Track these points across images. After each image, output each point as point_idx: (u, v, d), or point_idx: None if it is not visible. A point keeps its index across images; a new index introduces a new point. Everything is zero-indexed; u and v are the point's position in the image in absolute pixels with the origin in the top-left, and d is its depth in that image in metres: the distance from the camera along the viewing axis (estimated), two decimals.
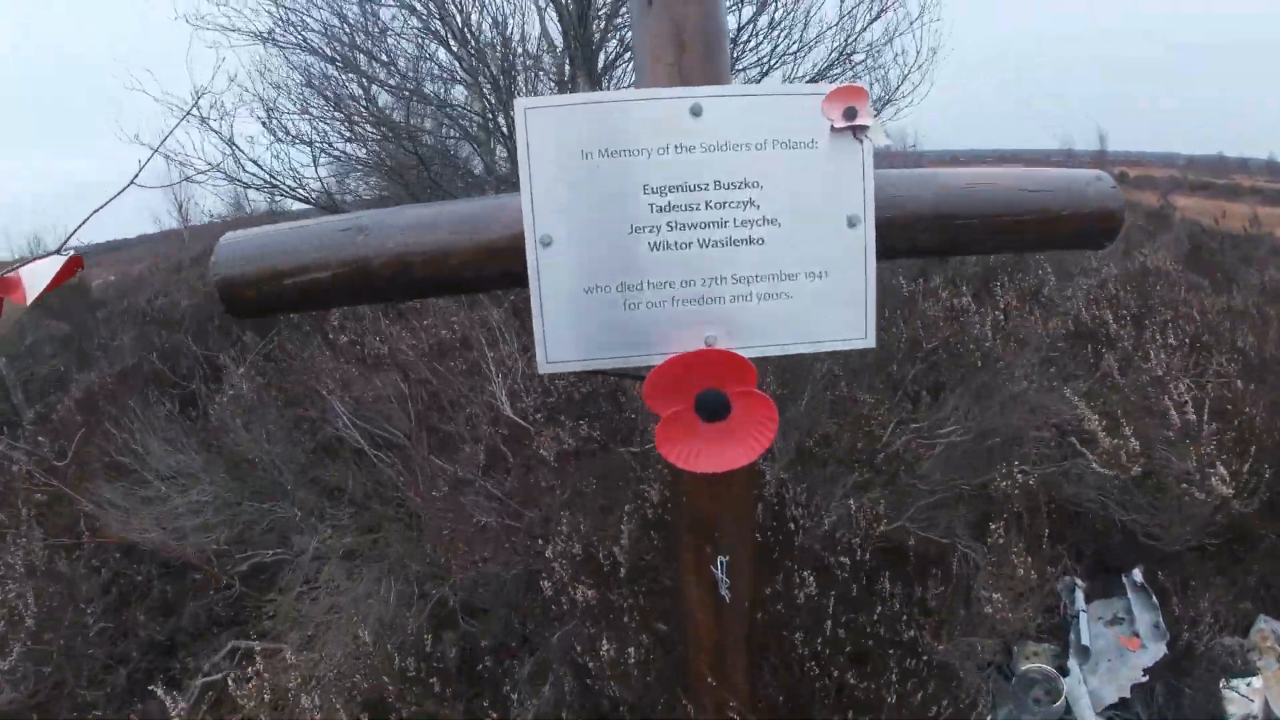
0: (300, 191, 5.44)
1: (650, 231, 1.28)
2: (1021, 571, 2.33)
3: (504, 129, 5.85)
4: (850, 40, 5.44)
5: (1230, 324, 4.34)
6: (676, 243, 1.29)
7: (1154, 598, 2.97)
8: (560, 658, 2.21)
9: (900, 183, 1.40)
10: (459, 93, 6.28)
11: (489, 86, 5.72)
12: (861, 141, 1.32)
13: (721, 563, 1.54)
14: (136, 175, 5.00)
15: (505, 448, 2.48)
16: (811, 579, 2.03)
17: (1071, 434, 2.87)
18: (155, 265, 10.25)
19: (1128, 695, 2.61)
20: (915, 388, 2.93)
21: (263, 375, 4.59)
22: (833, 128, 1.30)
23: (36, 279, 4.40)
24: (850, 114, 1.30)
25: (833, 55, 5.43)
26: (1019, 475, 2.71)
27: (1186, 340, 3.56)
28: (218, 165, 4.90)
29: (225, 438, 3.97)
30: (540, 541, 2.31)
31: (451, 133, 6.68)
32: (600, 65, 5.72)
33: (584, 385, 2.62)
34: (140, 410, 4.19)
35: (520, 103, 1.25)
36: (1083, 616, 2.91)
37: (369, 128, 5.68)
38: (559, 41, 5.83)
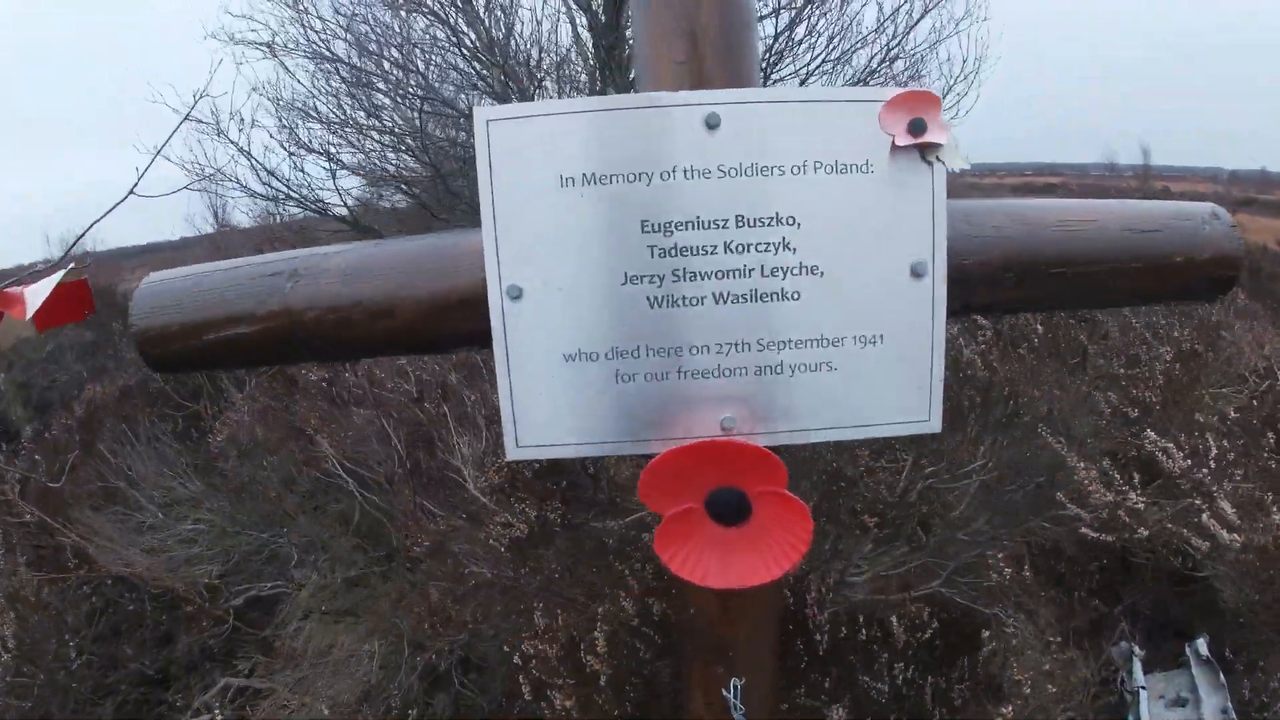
0: (314, 204, 5.23)
1: (650, 282, 0.97)
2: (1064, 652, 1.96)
3: None
4: (892, 45, 5.08)
5: None
6: (685, 298, 0.98)
7: (1221, 675, 2.58)
8: None
9: (978, 218, 1.07)
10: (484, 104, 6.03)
11: (517, 98, 5.47)
12: (932, 164, 0.99)
13: (736, 686, 1.21)
14: (135, 185, 4.72)
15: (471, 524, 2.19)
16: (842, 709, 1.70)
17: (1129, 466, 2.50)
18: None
19: None
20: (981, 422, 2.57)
21: (266, 396, 4.37)
22: (894, 145, 0.98)
23: (38, 295, 4.10)
24: (918, 127, 0.98)
25: (872, 62, 5.07)
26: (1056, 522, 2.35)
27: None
28: (209, 175, 4.71)
29: (226, 463, 3.76)
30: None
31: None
32: (632, 75, 5.45)
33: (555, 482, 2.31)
34: (140, 430, 4.00)
35: (480, 113, 0.96)
36: (1143, 695, 2.53)
37: (385, 138, 5.46)
38: (590, 51, 5.57)
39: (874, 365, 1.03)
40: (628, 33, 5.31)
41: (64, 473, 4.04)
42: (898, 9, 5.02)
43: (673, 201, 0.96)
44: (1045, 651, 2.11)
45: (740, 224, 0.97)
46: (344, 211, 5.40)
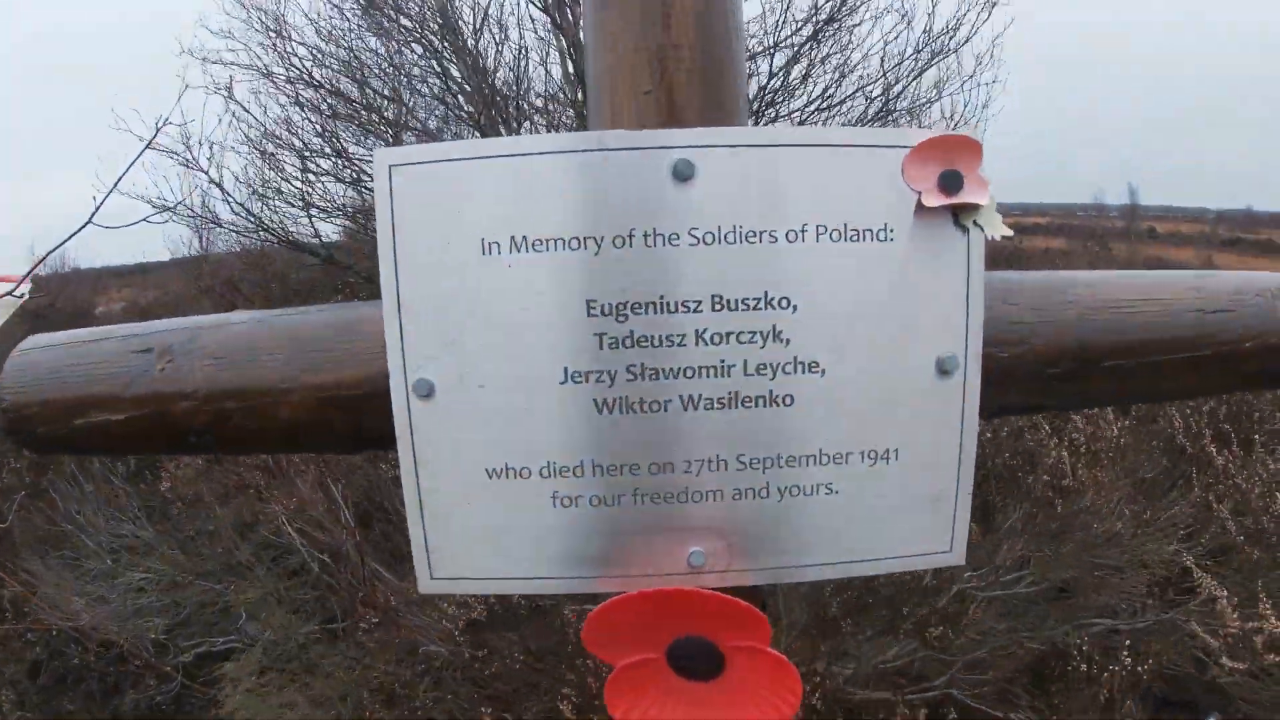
0: (284, 236, 5.01)
1: (599, 380, 0.75)
2: None
3: None
4: (893, 93, 4.90)
5: None
6: (644, 401, 0.75)
7: None
8: None
9: (1020, 298, 0.85)
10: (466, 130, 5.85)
11: (501, 132, 5.27)
12: (968, 230, 0.77)
13: None
14: (92, 216, 4.48)
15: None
16: None
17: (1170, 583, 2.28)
18: (161, 298, 9.97)
19: None
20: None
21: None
22: (920, 205, 0.76)
23: None
24: (953, 182, 0.76)
25: (868, 110, 4.89)
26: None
27: None
28: (170, 207, 4.49)
29: (178, 508, 3.51)
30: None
31: None
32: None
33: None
34: (91, 469, 3.75)
35: (382, 155, 0.74)
36: None
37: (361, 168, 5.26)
38: (579, 89, 5.38)
39: (886, 486, 0.80)
40: None
41: (9, 515, 3.79)
42: (901, 60, 4.84)
43: (629, 275, 0.74)
44: None
45: (718, 306, 0.74)
46: (315, 243, 5.17)
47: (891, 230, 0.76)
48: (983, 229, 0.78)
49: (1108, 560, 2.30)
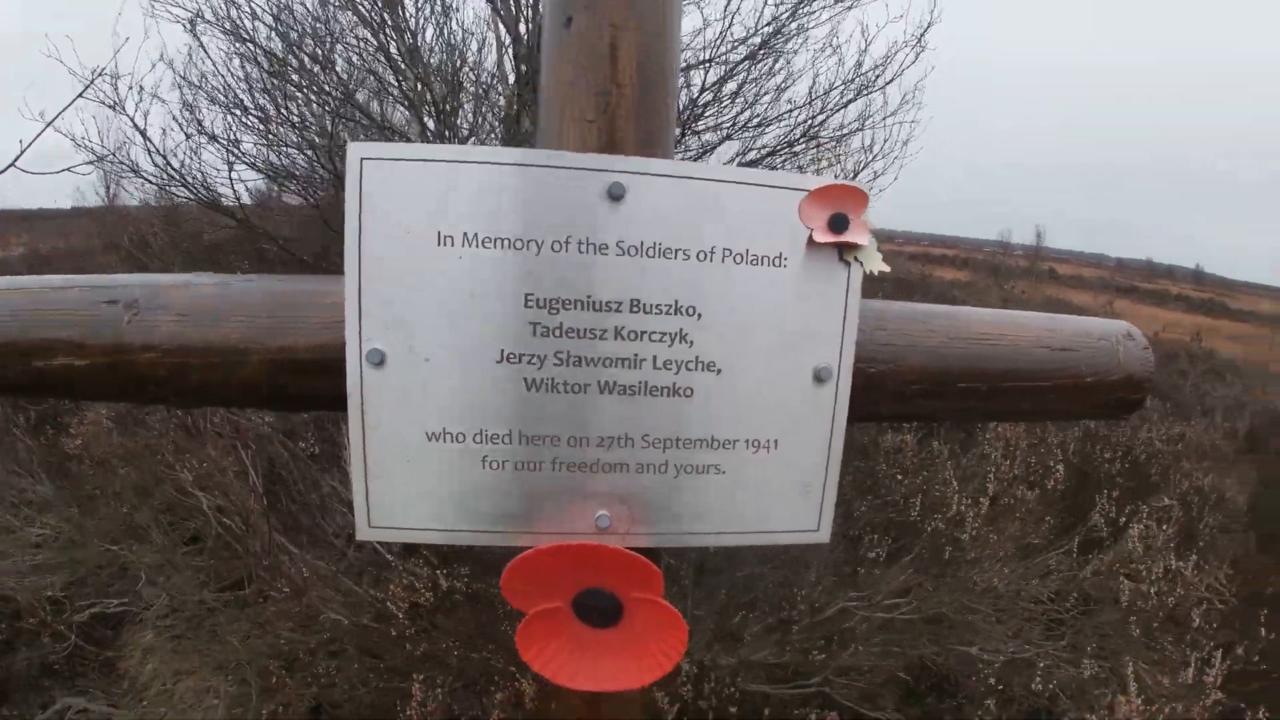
0: (205, 193, 4.90)
1: (530, 362, 0.87)
2: None
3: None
4: (816, 119, 5.14)
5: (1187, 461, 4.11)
6: (567, 383, 0.88)
7: None
8: None
9: (890, 324, 1.02)
10: (398, 114, 5.83)
11: (431, 111, 5.27)
12: (849, 265, 0.93)
13: None
14: (16, 159, 4.36)
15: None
16: None
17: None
18: (64, 246, 9.53)
19: None
20: (865, 537, 2.56)
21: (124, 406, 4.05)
22: (811, 240, 0.91)
23: None
24: (839, 224, 0.92)
25: (794, 133, 5.12)
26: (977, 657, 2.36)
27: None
28: (102, 158, 4.36)
29: (80, 466, 3.43)
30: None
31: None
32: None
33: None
34: None
35: (355, 149, 0.84)
36: None
37: (291, 134, 5.18)
38: (511, 77, 5.42)
39: (766, 471, 0.95)
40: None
41: None
42: (830, 89, 5.09)
43: (563, 276, 0.86)
44: None
45: (635, 309, 0.88)
46: (234, 205, 5.05)
47: (785, 259, 0.91)
48: (862, 264, 0.93)
49: (979, 606, 2.53)
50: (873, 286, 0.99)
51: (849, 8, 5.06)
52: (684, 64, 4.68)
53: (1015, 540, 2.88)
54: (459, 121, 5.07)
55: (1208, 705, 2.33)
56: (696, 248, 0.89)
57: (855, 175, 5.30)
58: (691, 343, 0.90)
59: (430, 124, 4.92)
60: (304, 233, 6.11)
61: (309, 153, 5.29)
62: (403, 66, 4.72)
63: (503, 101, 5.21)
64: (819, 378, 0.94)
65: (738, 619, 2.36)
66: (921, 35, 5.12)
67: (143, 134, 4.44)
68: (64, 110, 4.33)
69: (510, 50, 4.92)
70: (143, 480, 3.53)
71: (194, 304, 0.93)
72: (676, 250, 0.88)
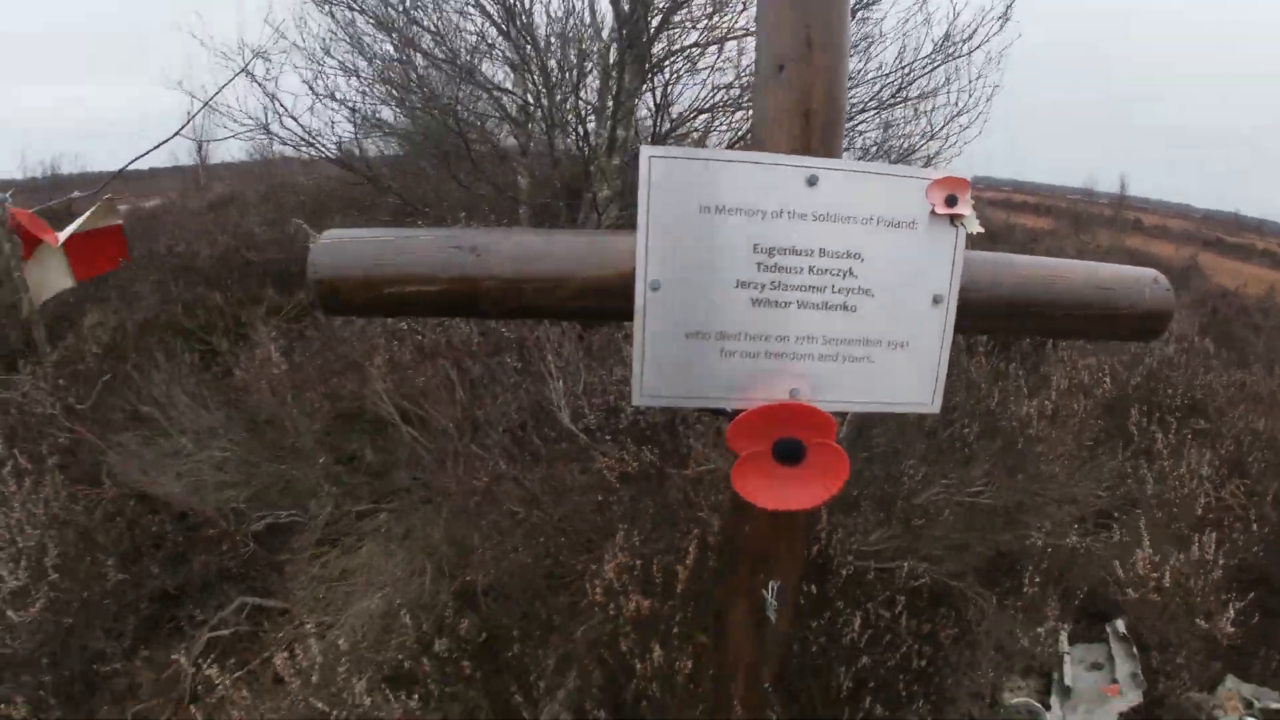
0: (328, 151, 5.52)
1: (754, 288, 1.37)
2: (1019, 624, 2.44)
3: (545, 113, 5.95)
4: (908, 79, 5.56)
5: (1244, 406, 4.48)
6: (777, 301, 1.38)
7: (1134, 648, 3.09)
8: (586, 654, 2.30)
9: (984, 268, 1.49)
10: (498, 70, 6.38)
11: (537, 71, 5.79)
12: (957, 227, 1.41)
13: (773, 587, 1.63)
14: (184, 127, 5.01)
15: (559, 459, 2.56)
16: (857, 618, 2.14)
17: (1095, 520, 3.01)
18: (171, 204, 10.23)
19: None
20: (955, 444, 3.04)
21: (286, 338, 4.65)
22: (933, 211, 1.40)
23: (69, 230, 4.45)
24: (951, 201, 1.39)
25: (882, 93, 5.54)
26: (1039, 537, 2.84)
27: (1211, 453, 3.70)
28: (263, 125, 4.96)
29: (249, 397, 4.03)
30: (580, 546, 2.40)
31: (490, 109, 6.74)
32: (650, 63, 5.79)
33: (648, 414, 2.70)
34: (164, 362, 4.25)
35: (646, 150, 1.34)
36: (1066, 659, 3.04)
37: (405, 92, 5.76)
38: (610, 32, 5.93)
39: (900, 363, 1.44)
40: (652, 27, 5.68)
41: (91, 396, 4.27)
42: (917, 56, 5.50)
43: (778, 232, 1.36)
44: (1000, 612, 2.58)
45: (822, 254, 1.37)
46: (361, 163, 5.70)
47: (916, 223, 1.40)
48: (965, 228, 1.41)
49: (1046, 493, 3.01)
50: (970, 239, 1.46)
51: None
52: None
53: (1075, 438, 3.32)
54: (562, 81, 5.58)
55: (1212, 578, 2.79)
56: (861, 215, 1.38)
57: (942, 128, 5.70)
58: (856, 276, 1.39)
59: (537, 82, 5.43)
60: (404, 181, 6.66)
61: (435, 113, 5.85)
62: (506, 28, 5.23)
63: (601, 60, 5.69)
64: (936, 301, 1.42)
65: (856, 492, 2.82)
66: (1008, 8, 5.50)
67: (275, 99, 5.03)
68: (225, 85, 4.90)
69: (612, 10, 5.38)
70: (310, 406, 4.10)
71: (523, 247, 1.44)
72: (848, 218, 1.37)
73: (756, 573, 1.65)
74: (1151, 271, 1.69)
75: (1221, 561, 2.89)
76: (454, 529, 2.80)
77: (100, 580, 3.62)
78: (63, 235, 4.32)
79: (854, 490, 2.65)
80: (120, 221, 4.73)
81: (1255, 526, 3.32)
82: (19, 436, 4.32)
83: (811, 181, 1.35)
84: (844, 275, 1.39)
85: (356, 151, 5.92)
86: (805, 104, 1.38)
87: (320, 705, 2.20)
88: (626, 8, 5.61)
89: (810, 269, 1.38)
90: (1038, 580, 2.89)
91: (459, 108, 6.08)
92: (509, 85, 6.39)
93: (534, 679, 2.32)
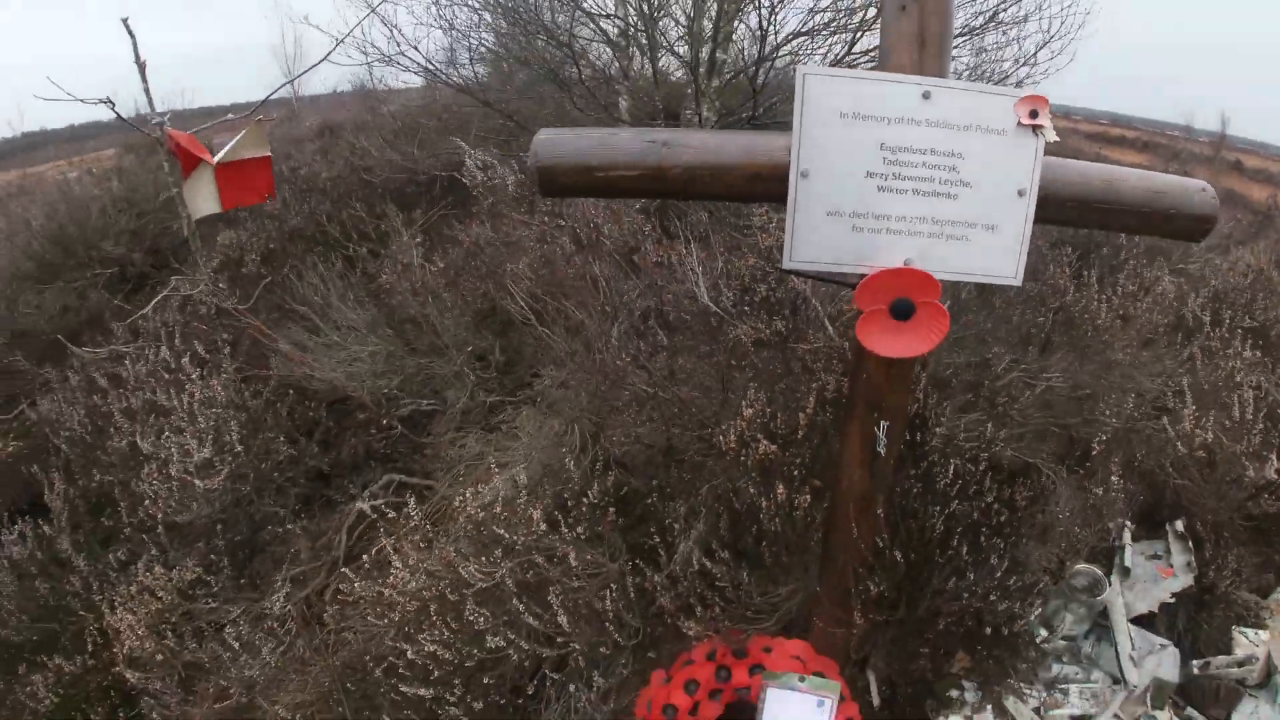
0: (442, 75, 6.09)
1: (881, 178, 1.82)
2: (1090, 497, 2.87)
3: (647, 37, 6.39)
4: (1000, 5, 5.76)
5: None
6: (898, 189, 1.82)
7: (1190, 544, 3.48)
8: (710, 503, 2.82)
9: (1060, 170, 1.90)
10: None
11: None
12: (1038, 135, 1.82)
13: (882, 426, 2.11)
14: (330, 53, 5.63)
15: (699, 333, 3.04)
16: (950, 466, 2.60)
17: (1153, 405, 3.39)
18: (272, 132, 10.97)
19: (1155, 610, 3.17)
20: (1035, 335, 3.44)
21: (423, 246, 5.22)
22: (1019, 122, 1.80)
23: (223, 148, 5.14)
24: (1033, 114, 1.80)
25: (977, 19, 5.75)
26: (1106, 419, 3.25)
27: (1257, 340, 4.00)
28: (386, 56, 5.51)
29: (392, 298, 4.62)
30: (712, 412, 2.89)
31: (592, 33, 7.14)
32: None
33: (777, 291, 3.16)
34: (314, 267, 4.88)
35: (801, 69, 1.77)
36: (1128, 546, 3.44)
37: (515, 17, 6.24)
38: None
39: (991, 243, 1.87)
40: None
41: (253, 297, 4.94)
42: None
43: (899, 135, 1.79)
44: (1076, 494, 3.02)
45: (932, 153, 1.80)
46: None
47: (1005, 131, 1.81)
48: (1044, 136, 1.82)
49: (1111, 379, 3.39)
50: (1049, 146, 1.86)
51: None
52: None
53: (1139, 334, 3.68)
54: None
55: (1254, 440, 3.16)
56: (964, 123, 1.79)
57: (1034, 56, 5.91)
58: (958, 172, 1.82)
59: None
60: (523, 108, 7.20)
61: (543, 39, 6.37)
62: None
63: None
64: (1020, 194, 1.84)
65: (949, 372, 3.23)
66: None
67: (395, 28, 5.57)
68: (360, 22, 5.44)
69: None
70: (442, 304, 4.66)
71: (702, 143, 1.90)
72: (954, 125, 1.79)
73: (870, 414, 2.13)
74: (1200, 181, 2.07)
75: (1260, 425, 3.23)
76: (595, 403, 3.32)
77: (272, 455, 4.26)
78: (219, 155, 4.83)
79: (946, 371, 3.08)
80: (269, 153, 5.19)
81: None
82: (191, 332, 5.02)
83: (926, 95, 1.78)
84: (949, 170, 1.82)
85: (472, 77, 6.45)
86: (921, 34, 1.80)
87: (501, 532, 2.75)
88: None
89: (923, 164, 1.81)
90: (1102, 450, 3.27)
91: (564, 34, 6.51)
92: (611, 8, 6.76)
93: (669, 522, 2.85)
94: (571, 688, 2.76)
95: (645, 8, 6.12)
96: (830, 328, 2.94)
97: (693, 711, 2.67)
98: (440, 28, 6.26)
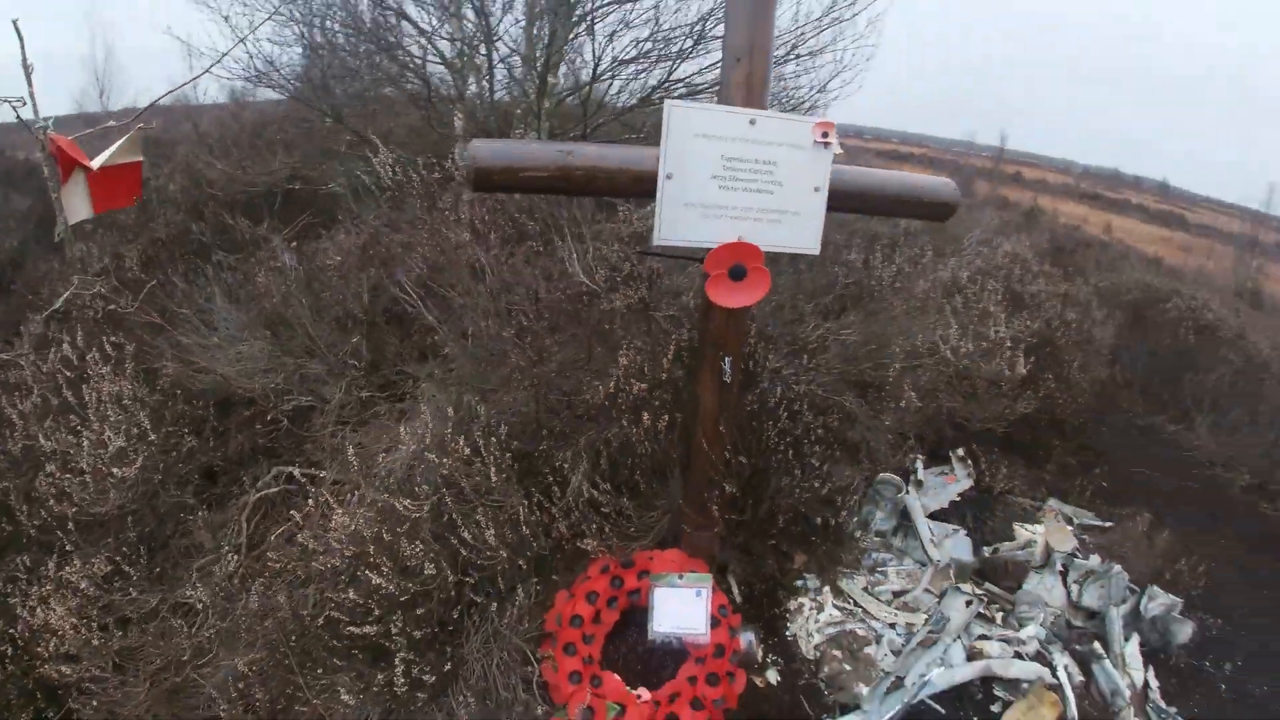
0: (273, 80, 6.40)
1: (721, 179, 2.55)
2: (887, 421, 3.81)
3: (480, 61, 6.96)
4: (799, 42, 6.81)
5: (1060, 309, 6.11)
6: (733, 187, 2.57)
7: (968, 463, 4.54)
8: (591, 447, 3.46)
9: (844, 174, 2.73)
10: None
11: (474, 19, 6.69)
12: (828, 149, 2.63)
13: (726, 360, 2.84)
14: (215, 65, 5.92)
15: (573, 309, 3.66)
16: (778, 389, 3.39)
17: (928, 350, 4.44)
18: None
19: (945, 506, 4.20)
20: (834, 305, 4.40)
21: (293, 253, 5.48)
22: (815, 141, 2.61)
23: (102, 157, 5.41)
24: (825, 135, 2.61)
25: (779, 50, 6.74)
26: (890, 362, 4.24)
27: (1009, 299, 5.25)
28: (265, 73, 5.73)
29: (266, 302, 4.88)
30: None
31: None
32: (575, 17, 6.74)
33: (639, 269, 3.83)
34: (187, 275, 5.04)
35: (669, 103, 2.47)
36: (919, 465, 4.43)
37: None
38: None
39: (797, 225, 2.67)
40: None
41: (136, 300, 5.01)
42: (805, 24, 6.77)
43: (734, 149, 2.54)
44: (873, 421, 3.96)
45: (756, 162, 2.57)
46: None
47: (805, 146, 2.61)
48: (832, 149, 2.63)
49: (893, 331, 4.40)
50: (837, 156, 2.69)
51: None
52: None
53: (917, 299, 4.78)
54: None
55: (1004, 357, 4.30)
56: (777, 141, 2.57)
57: (825, 85, 6.99)
58: (774, 175, 2.59)
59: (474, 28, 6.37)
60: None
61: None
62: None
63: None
64: (816, 190, 2.65)
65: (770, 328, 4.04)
66: None
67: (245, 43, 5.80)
68: (228, 52, 5.65)
69: None
70: (317, 306, 4.97)
71: (600, 153, 2.57)
72: (771, 142, 2.57)
73: (717, 352, 2.87)
74: (947, 180, 3.00)
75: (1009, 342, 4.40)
76: (478, 379, 3.87)
77: (176, 448, 4.40)
78: (97, 161, 4.89)
79: (770, 329, 3.93)
80: (141, 159, 5.26)
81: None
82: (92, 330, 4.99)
83: (752, 122, 2.54)
84: (768, 174, 2.59)
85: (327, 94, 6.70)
86: (749, 80, 2.57)
87: (432, 457, 3.24)
88: None
89: (750, 170, 2.57)
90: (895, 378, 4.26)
91: (401, 52, 6.88)
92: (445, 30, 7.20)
93: (558, 464, 3.45)
94: (494, 607, 3.29)
95: (477, 33, 6.63)
96: (683, 296, 3.69)
97: (595, 619, 3.30)
98: (300, 46, 6.48)
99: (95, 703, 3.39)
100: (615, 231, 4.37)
